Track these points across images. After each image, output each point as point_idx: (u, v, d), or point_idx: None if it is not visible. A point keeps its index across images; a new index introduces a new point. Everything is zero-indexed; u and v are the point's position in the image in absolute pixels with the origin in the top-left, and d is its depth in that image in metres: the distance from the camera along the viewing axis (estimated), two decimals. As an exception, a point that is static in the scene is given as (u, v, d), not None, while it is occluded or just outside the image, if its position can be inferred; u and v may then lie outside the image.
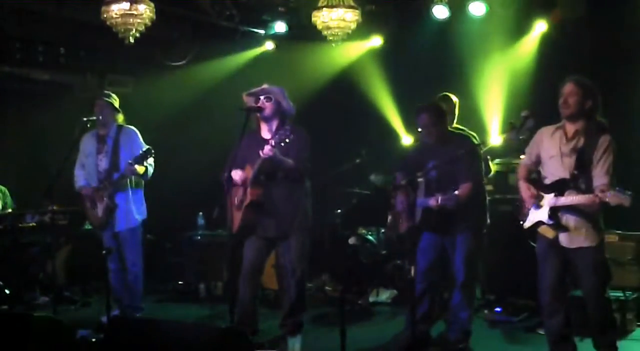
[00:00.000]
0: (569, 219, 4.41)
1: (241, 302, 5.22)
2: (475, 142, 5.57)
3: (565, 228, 4.42)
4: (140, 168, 5.72)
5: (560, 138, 4.49)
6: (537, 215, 4.51)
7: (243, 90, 5.28)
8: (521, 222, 4.64)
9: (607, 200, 4.12)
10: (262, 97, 5.13)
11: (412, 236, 5.19)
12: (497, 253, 6.44)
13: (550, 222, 4.44)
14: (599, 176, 4.34)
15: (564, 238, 4.44)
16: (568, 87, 4.42)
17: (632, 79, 6.42)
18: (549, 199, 4.44)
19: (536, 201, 4.50)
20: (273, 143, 4.87)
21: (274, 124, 5.18)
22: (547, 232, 4.49)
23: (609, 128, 4.45)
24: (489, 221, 5.39)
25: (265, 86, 5.18)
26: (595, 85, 4.47)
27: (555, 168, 4.48)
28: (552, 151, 4.51)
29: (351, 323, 5.46)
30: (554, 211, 4.42)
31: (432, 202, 4.89)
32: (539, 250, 4.61)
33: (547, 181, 4.53)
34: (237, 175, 5.10)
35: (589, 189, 4.34)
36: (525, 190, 4.58)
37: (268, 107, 5.13)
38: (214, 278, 7.20)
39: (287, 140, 4.85)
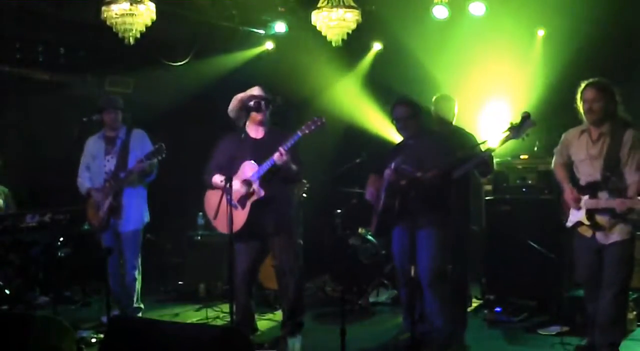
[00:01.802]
0: (604, 219, 4.63)
1: (239, 302, 5.26)
2: (475, 141, 5.58)
3: (602, 228, 4.64)
4: (150, 166, 5.73)
5: (587, 142, 4.71)
6: (577, 216, 4.74)
7: (243, 90, 5.33)
8: (564, 222, 4.86)
9: (636, 207, 4.42)
10: (262, 103, 5.26)
11: (382, 233, 5.40)
12: (497, 253, 6.45)
13: (588, 223, 4.66)
14: (631, 173, 4.54)
15: (600, 236, 4.68)
16: (590, 94, 4.60)
17: (632, 80, 6.42)
18: (584, 201, 4.67)
19: (578, 205, 4.70)
20: (284, 149, 5.00)
21: (264, 128, 5.34)
22: (586, 232, 4.72)
23: (632, 122, 4.65)
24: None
25: (261, 92, 5.29)
26: (612, 84, 4.63)
27: (587, 171, 4.70)
28: (581, 155, 4.73)
29: (351, 323, 5.46)
30: (590, 212, 4.65)
31: (387, 171, 4.91)
32: (577, 245, 4.86)
33: (582, 182, 4.74)
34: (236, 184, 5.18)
35: (621, 188, 4.56)
36: (569, 194, 4.76)
37: (265, 114, 5.30)
38: (214, 278, 7.21)
39: (315, 127, 5.01)
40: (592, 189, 4.64)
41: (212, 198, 5.26)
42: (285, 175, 5.17)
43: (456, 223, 5.24)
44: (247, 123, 5.31)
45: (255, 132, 5.35)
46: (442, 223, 5.02)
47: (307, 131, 5.03)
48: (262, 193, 5.12)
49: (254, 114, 5.26)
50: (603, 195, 4.60)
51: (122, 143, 5.88)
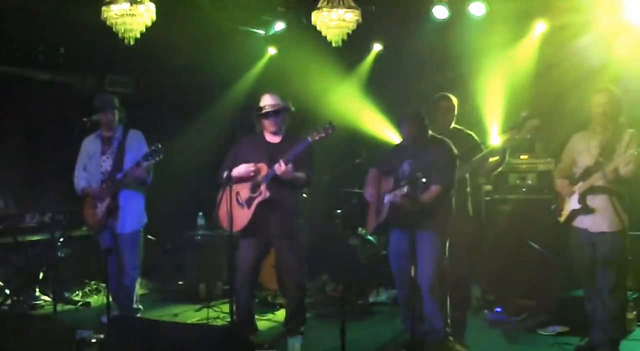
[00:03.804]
0: (594, 201, 4.79)
1: (240, 302, 5.27)
2: (475, 141, 5.58)
3: (592, 211, 4.78)
4: (148, 167, 5.72)
5: (590, 136, 4.91)
6: (570, 205, 4.93)
7: (243, 91, 5.34)
8: (559, 218, 4.99)
9: (616, 166, 4.55)
10: (272, 112, 5.28)
11: (379, 233, 5.29)
12: (497, 254, 6.45)
13: (579, 206, 4.81)
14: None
15: (590, 223, 4.80)
16: (605, 98, 4.83)
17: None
18: (577, 187, 4.84)
19: (570, 191, 4.91)
20: (287, 160, 5.02)
21: (281, 134, 5.37)
22: (580, 223, 4.85)
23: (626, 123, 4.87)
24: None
25: (272, 100, 5.31)
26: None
27: (584, 162, 4.87)
28: (582, 148, 4.92)
29: (351, 323, 5.46)
30: (582, 195, 4.82)
31: (389, 197, 4.98)
32: (573, 243, 4.97)
33: (577, 174, 4.91)
34: (241, 168, 5.20)
35: None
36: (561, 186, 5.01)
37: (277, 122, 5.31)
38: (214, 278, 7.21)
39: (325, 135, 5.04)
40: (586, 174, 4.81)
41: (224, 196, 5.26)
42: (290, 182, 5.18)
43: (455, 224, 5.23)
44: (263, 130, 5.38)
45: (271, 137, 5.39)
46: (442, 225, 5.03)
47: (317, 138, 5.04)
48: (267, 195, 5.15)
49: (266, 124, 5.32)
50: (596, 177, 4.74)
51: (118, 144, 5.86)
